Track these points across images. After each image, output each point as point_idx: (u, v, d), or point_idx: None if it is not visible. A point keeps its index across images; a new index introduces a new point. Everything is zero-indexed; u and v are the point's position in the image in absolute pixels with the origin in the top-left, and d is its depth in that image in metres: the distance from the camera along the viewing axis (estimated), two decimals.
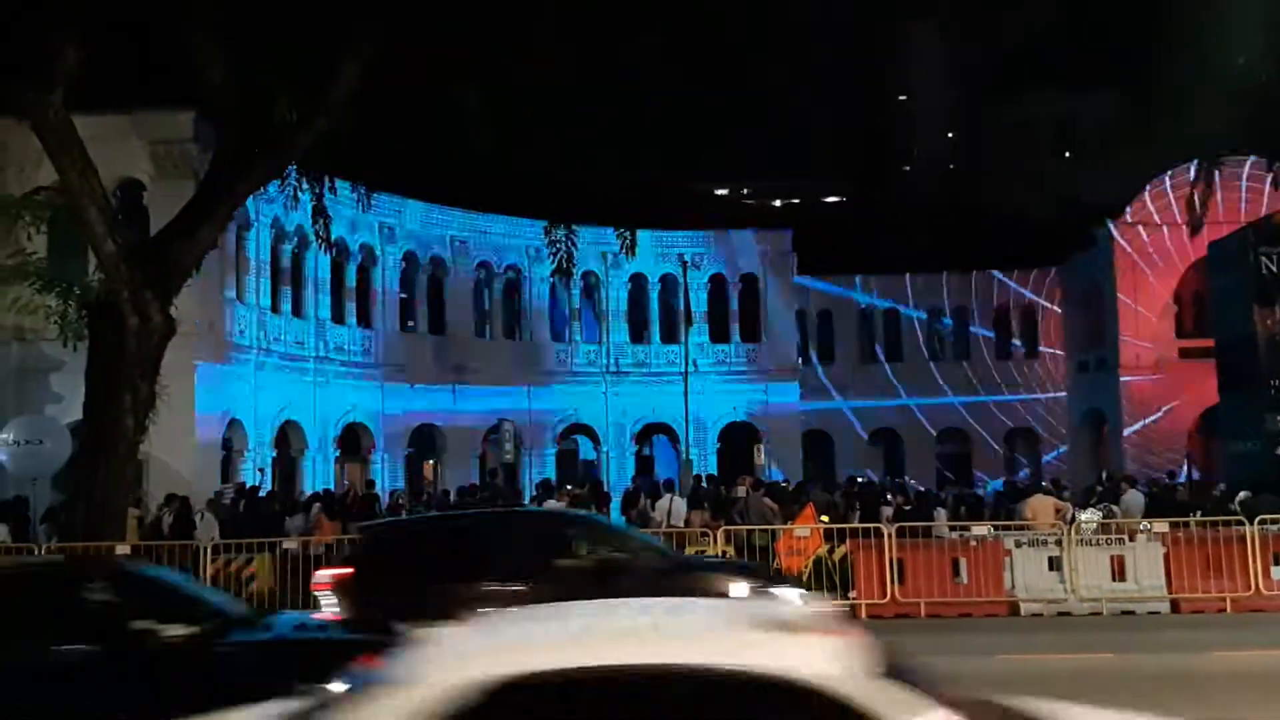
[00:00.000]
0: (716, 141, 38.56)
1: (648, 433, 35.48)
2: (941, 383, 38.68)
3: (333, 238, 23.26)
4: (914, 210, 43.87)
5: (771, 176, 56.87)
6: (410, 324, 32.42)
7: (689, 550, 15.30)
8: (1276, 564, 14.91)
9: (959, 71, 58.13)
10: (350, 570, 10.93)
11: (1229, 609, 14.64)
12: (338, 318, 29.47)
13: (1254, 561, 14.73)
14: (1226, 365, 25.71)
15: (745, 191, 59.20)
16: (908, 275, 38.45)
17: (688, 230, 35.00)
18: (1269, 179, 29.99)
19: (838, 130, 56.27)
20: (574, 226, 20.13)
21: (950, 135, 63.48)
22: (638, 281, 35.01)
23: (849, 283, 38.93)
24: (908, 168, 63.39)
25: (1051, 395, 38.68)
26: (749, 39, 19.28)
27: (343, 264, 29.47)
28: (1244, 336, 23.79)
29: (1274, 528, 15.27)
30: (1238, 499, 18.38)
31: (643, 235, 25.44)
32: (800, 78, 36.62)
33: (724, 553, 15.23)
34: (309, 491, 24.42)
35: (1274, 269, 23.29)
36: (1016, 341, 39.39)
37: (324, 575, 11.30)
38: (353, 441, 29.96)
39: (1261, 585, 14.71)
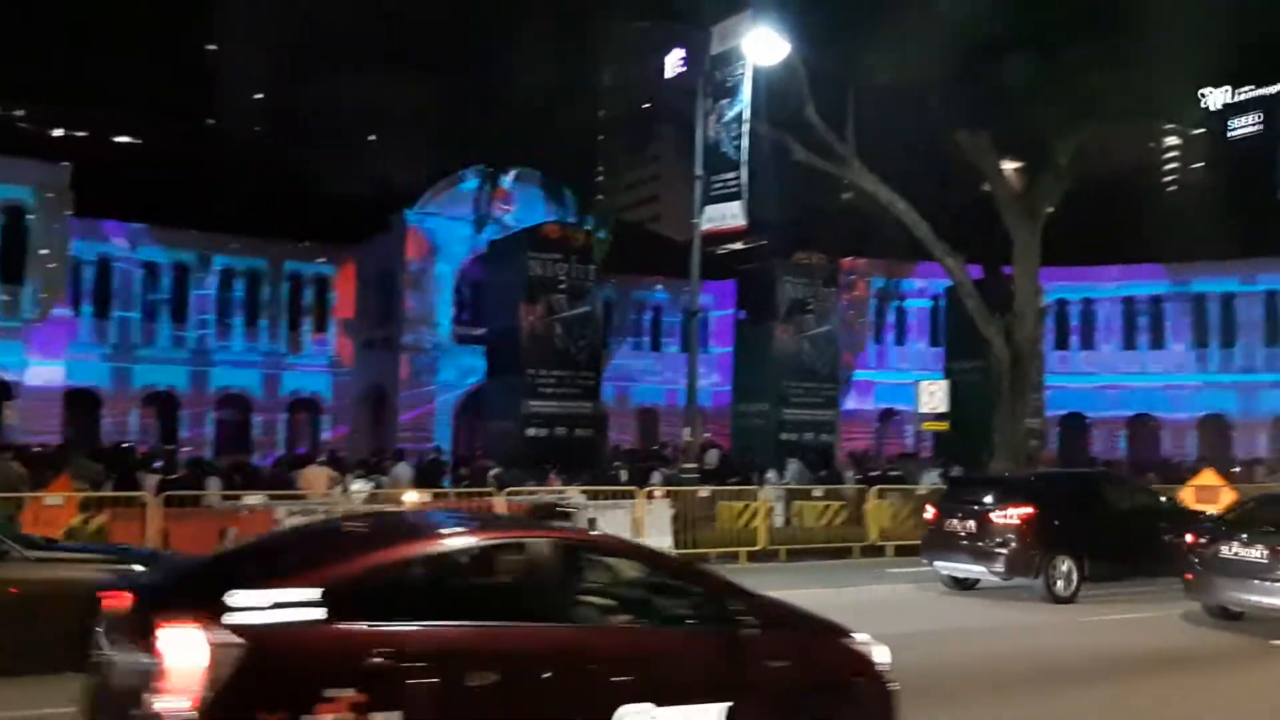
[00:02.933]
0: None
1: None
2: (220, 349, 37.57)
3: None
4: (215, 166, 41.95)
5: (53, 101, 50.46)
6: None
7: None
8: None
9: (275, 34, 56.80)
10: None
11: None
12: None
13: None
14: (495, 353, 28.48)
15: (19, 113, 51.79)
16: (203, 233, 36.67)
17: None
18: (541, 192, 33.94)
19: (140, 67, 51.78)
20: None
21: (259, 97, 61.87)
22: None
23: (137, 233, 36.02)
24: (212, 121, 60.45)
25: (340, 370, 39.58)
26: None
27: None
28: (511, 329, 26.57)
29: (517, 499, 17.25)
30: (491, 473, 20.44)
31: None
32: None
33: None
34: None
35: (540, 272, 26.34)
36: (307, 316, 39.64)
37: None
38: None
39: None
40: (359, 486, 17.68)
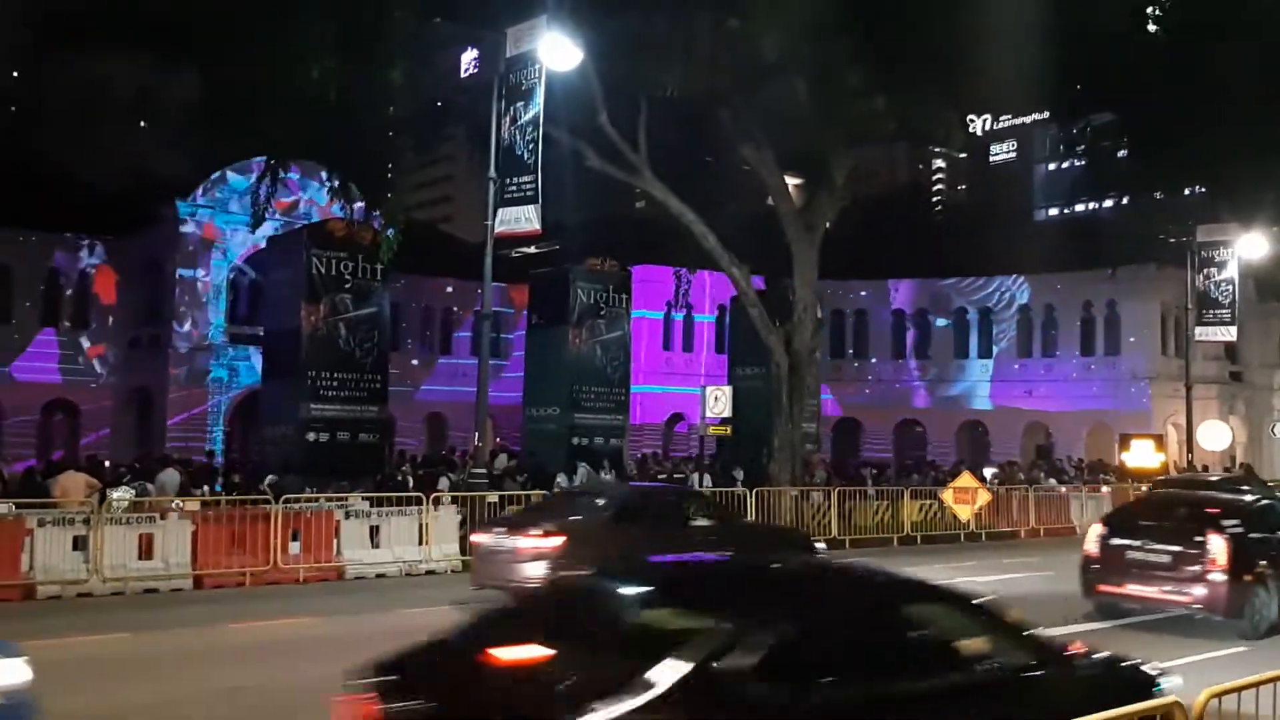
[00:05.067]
0: None
1: None
2: None
3: None
4: None
5: None
6: None
7: None
8: (294, 540, 16.21)
9: (31, 12, 52.58)
10: None
11: (249, 583, 15.47)
12: None
13: (275, 538, 15.81)
14: (272, 354, 27.27)
15: None
16: None
17: None
18: (325, 188, 32.79)
19: None
20: None
21: (13, 75, 57.14)
22: None
23: None
24: None
25: (101, 370, 36.97)
26: None
27: None
28: (291, 329, 25.50)
29: (295, 506, 16.58)
30: (266, 481, 19.56)
31: None
32: None
33: None
34: None
35: (323, 270, 25.43)
36: (64, 312, 36.88)
37: None
38: None
39: (280, 559, 15.84)
40: (119, 494, 16.55)
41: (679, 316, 44.18)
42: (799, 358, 25.55)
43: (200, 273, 35.84)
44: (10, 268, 35.51)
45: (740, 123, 24.67)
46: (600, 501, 15.07)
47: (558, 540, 12.81)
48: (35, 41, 48.22)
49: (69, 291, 36.70)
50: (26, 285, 35.76)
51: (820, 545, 16.82)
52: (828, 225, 26.34)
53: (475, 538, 14.65)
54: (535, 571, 12.42)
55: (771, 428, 25.57)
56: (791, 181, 27.84)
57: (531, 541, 12.96)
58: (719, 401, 23.82)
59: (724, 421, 24.15)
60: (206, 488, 20.26)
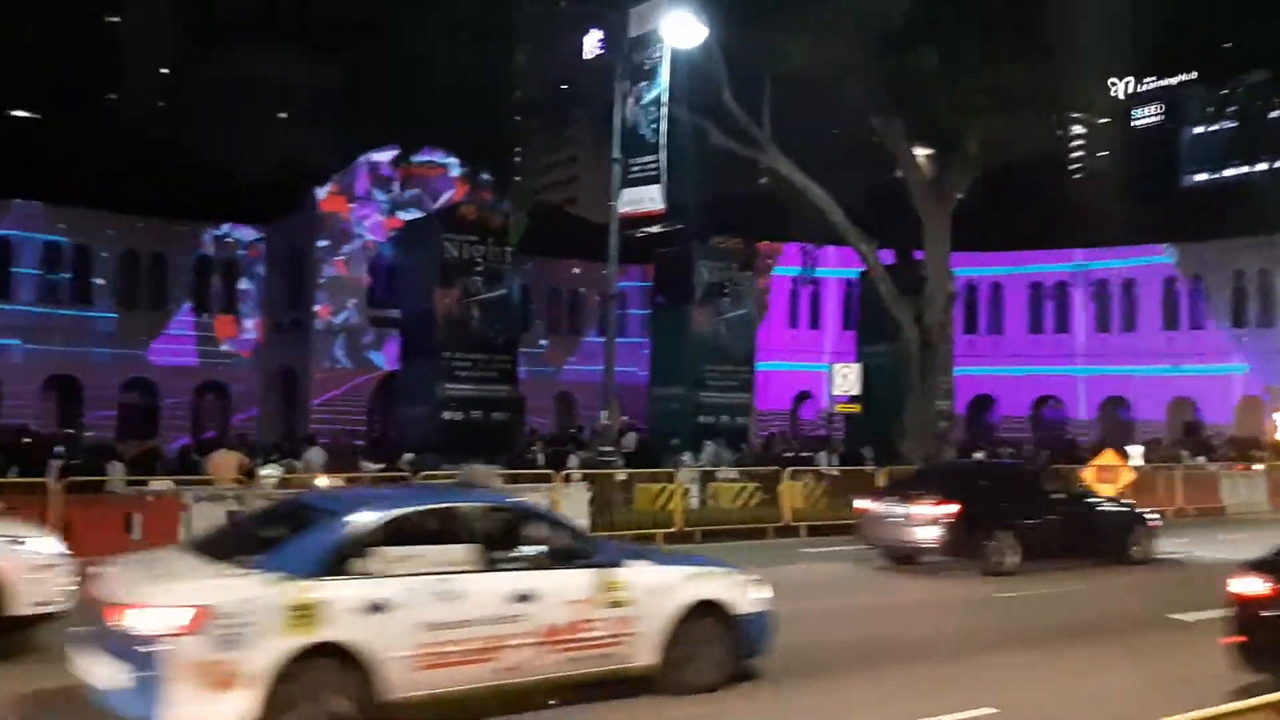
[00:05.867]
0: None
1: None
2: (123, 331, 36.49)
3: None
4: (117, 144, 40.61)
5: None
6: None
7: None
8: None
9: (182, 6, 55.09)
10: None
11: None
12: None
13: None
14: (409, 336, 28.12)
15: None
16: (103, 212, 35.55)
17: None
18: (456, 173, 33.53)
19: (36, 40, 49.74)
20: None
21: (164, 71, 60.01)
22: None
23: (34, 211, 34.81)
24: (114, 96, 58.48)
25: (248, 353, 38.73)
26: None
27: None
28: (426, 311, 26.24)
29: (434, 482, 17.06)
30: (404, 458, 20.22)
31: None
32: None
33: None
34: None
35: (455, 254, 26.06)
36: (216, 297, 38.69)
37: None
38: None
39: None
40: (269, 471, 17.35)
41: (805, 292, 43.75)
42: (930, 333, 25.01)
43: (339, 257, 37.11)
44: (164, 255, 37.44)
45: (868, 94, 24.19)
46: (977, 475, 17.49)
47: (952, 507, 14.46)
48: (185, 40, 50.52)
49: (217, 277, 38.50)
50: (178, 272, 37.65)
51: (1153, 516, 16.71)
52: (959, 196, 25.68)
53: (861, 504, 16.19)
54: (928, 535, 14.51)
55: (902, 405, 25.14)
56: (921, 152, 27.21)
57: (926, 509, 14.67)
58: (847, 379, 23.54)
59: (853, 399, 23.85)
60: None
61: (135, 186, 35.11)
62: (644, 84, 19.70)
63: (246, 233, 38.52)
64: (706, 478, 21.10)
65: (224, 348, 38.23)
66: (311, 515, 7.46)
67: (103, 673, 6.45)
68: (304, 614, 6.47)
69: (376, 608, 6.72)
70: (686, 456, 23.35)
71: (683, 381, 29.45)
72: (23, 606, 8.81)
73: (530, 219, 23.40)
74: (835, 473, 21.79)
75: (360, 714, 6.58)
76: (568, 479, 18.47)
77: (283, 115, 51.18)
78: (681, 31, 19.08)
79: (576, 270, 42.45)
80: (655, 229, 34.32)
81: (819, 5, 21.27)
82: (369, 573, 6.88)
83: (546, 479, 18.16)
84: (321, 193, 36.87)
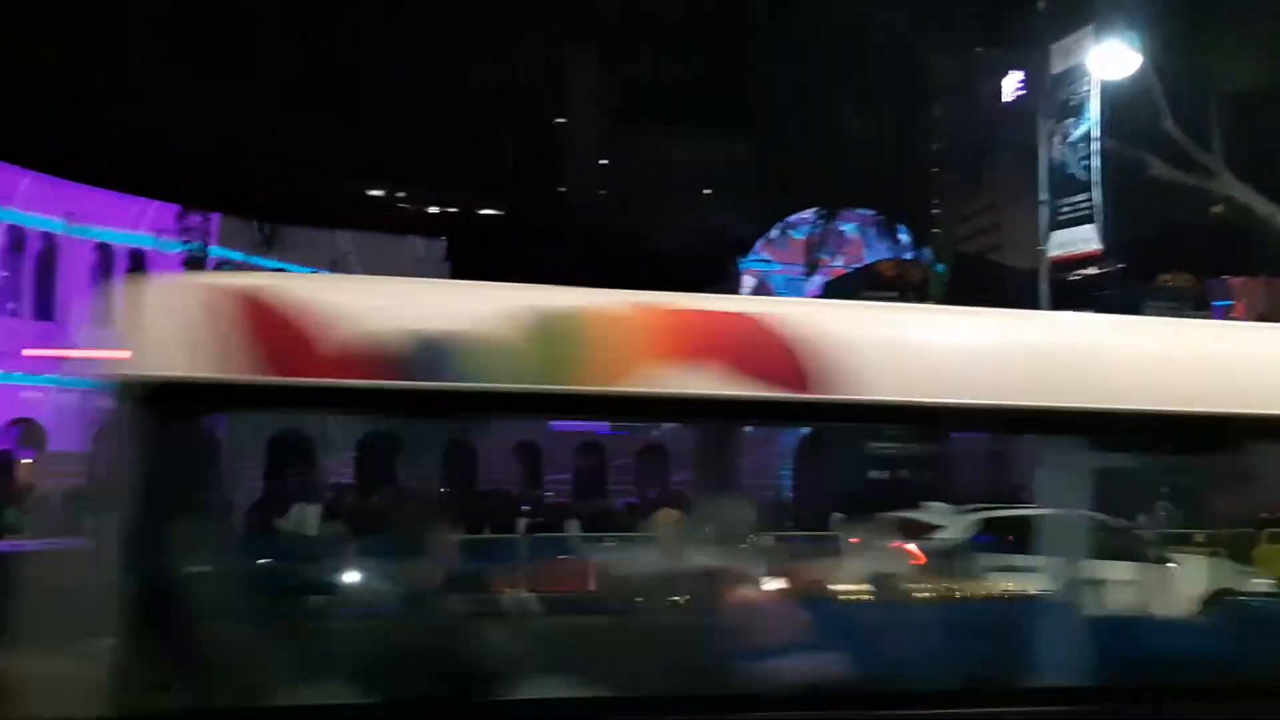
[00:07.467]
0: (370, 143, 37.54)
1: None
2: None
3: None
4: (566, 231, 45.08)
5: (424, 183, 56.27)
6: None
7: None
8: None
9: (611, 101, 60.41)
10: None
11: None
12: None
13: None
14: None
15: (400, 195, 58.16)
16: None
17: (340, 229, 33.89)
18: (875, 230, 33.65)
19: (497, 146, 56.81)
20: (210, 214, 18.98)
21: (603, 162, 65.80)
22: None
23: None
24: (563, 190, 64.98)
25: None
26: (406, 48, 19.09)
27: None
28: None
29: None
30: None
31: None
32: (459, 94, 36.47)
33: None
34: None
35: None
36: None
37: None
38: None
39: None
40: None
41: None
42: None
43: None
44: None
45: None
46: None
47: None
48: (620, 131, 55.15)
49: None
50: None
51: None
52: None
53: None
54: None
55: None
56: None
57: None
58: None
59: None
60: None
61: (579, 267, 38.52)
62: (1071, 120, 18.80)
63: None
64: None
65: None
66: None
67: None
68: None
69: None
70: None
71: None
72: None
73: (952, 270, 22.92)
74: None
75: None
76: None
77: (706, 191, 54.19)
78: (1112, 62, 18.04)
79: None
80: (1091, 270, 32.27)
81: (1264, 14, 19.22)
82: None
83: None
84: (743, 262, 38.36)
